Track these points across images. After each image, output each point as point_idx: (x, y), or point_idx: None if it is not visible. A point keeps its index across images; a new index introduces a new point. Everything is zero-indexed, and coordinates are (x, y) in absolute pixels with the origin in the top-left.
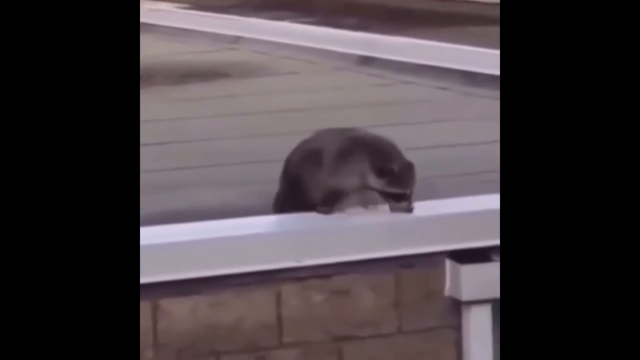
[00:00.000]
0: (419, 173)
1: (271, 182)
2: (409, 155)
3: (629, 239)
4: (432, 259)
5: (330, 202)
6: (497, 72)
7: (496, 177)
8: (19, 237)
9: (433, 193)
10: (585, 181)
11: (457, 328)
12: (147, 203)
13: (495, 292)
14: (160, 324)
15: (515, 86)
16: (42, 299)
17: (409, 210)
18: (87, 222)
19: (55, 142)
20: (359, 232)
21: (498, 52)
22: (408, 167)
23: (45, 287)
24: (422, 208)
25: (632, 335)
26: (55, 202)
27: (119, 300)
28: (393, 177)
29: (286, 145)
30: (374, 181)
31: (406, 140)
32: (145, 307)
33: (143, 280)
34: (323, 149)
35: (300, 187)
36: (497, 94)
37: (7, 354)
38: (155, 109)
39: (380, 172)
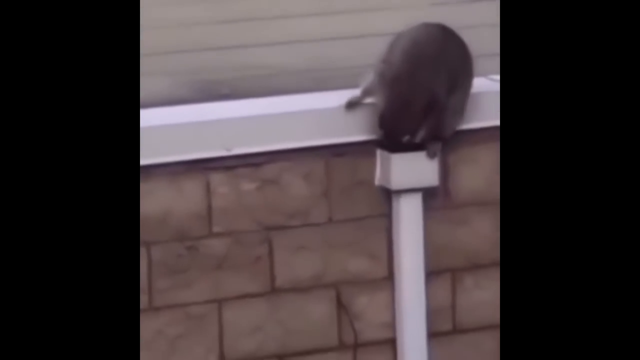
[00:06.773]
0: (360, 60)
1: (200, 71)
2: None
3: (629, 245)
4: (363, 148)
5: None
6: None
7: None
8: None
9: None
10: (585, 181)
11: (388, 217)
12: None
13: (425, 180)
14: None
15: (514, 85)
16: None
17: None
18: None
19: (54, 141)
20: (290, 120)
21: None
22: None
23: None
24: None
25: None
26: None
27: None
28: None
29: (217, 35)
30: None
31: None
32: None
33: None
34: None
35: None
36: None
37: (7, 354)
38: None
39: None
